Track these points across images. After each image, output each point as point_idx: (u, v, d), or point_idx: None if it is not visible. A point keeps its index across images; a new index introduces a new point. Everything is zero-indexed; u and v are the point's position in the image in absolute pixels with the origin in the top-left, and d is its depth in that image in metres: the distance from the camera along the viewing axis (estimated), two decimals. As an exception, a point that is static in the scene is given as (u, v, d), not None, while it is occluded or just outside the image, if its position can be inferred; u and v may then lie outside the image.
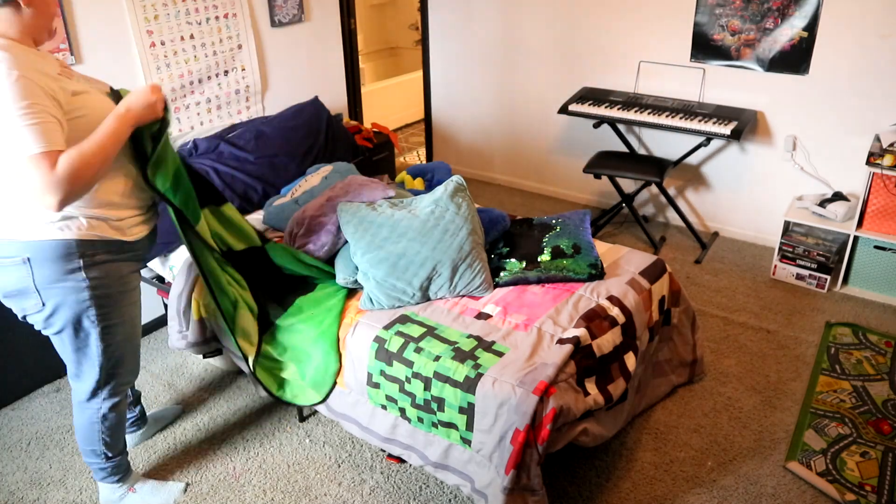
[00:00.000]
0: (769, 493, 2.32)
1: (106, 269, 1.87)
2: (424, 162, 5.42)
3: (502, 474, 1.96)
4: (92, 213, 1.82)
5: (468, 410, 2.02)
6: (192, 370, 3.05)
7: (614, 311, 2.29)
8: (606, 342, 2.20)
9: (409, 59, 7.20)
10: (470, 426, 2.03)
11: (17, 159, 1.59)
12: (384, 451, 2.47)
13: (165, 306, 3.06)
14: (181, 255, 2.73)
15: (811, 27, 3.43)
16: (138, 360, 2.15)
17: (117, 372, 2.06)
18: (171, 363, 3.10)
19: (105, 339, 1.95)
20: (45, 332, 1.95)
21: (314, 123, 3.42)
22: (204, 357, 2.96)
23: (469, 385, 2.02)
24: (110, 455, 2.20)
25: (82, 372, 2.01)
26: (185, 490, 2.39)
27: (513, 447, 1.93)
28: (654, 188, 4.29)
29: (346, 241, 2.53)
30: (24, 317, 1.92)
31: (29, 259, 1.76)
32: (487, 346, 2.13)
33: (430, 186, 3.06)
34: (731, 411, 2.69)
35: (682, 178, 4.16)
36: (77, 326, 1.90)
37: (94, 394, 2.05)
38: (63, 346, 1.96)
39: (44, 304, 1.83)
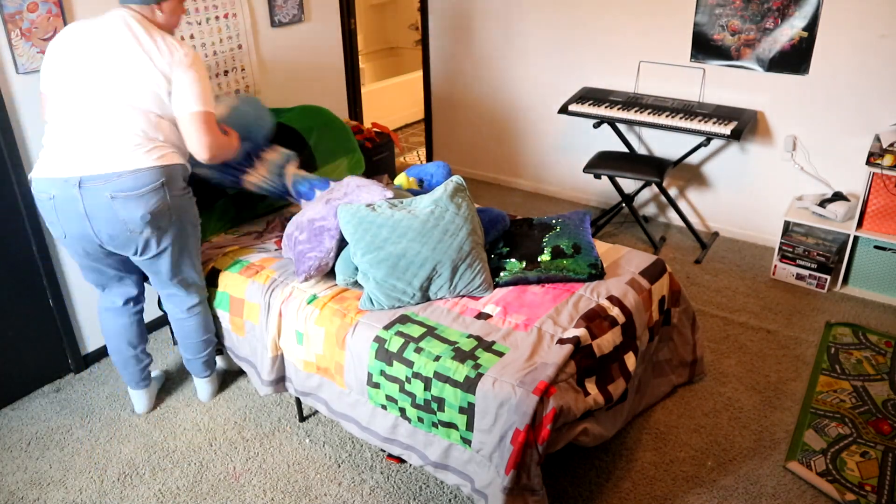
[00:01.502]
0: (769, 493, 2.32)
1: (190, 188, 2.41)
2: (424, 162, 5.43)
3: (502, 474, 1.96)
4: (182, 150, 2.35)
5: (468, 410, 2.02)
6: (192, 370, 3.05)
7: (614, 311, 2.29)
8: (606, 342, 2.20)
9: (409, 59, 7.20)
10: (470, 426, 2.03)
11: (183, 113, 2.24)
12: (384, 451, 2.47)
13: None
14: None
15: (811, 27, 3.43)
16: None
17: (202, 269, 2.64)
18: (171, 362, 3.10)
19: (198, 235, 2.51)
20: (158, 251, 2.32)
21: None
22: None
23: (469, 385, 2.02)
24: (215, 340, 2.73)
25: (188, 278, 2.50)
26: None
27: (513, 447, 1.94)
28: (654, 188, 4.29)
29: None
30: (147, 241, 2.29)
31: (164, 182, 2.22)
32: (487, 346, 2.13)
33: (429, 187, 3.06)
34: (731, 411, 2.69)
35: (683, 178, 4.16)
36: (188, 232, 2.40)
37: (200, 290, 2.58)
38: (177, 257, 2.39)
39: (172, 218, 2.28)
